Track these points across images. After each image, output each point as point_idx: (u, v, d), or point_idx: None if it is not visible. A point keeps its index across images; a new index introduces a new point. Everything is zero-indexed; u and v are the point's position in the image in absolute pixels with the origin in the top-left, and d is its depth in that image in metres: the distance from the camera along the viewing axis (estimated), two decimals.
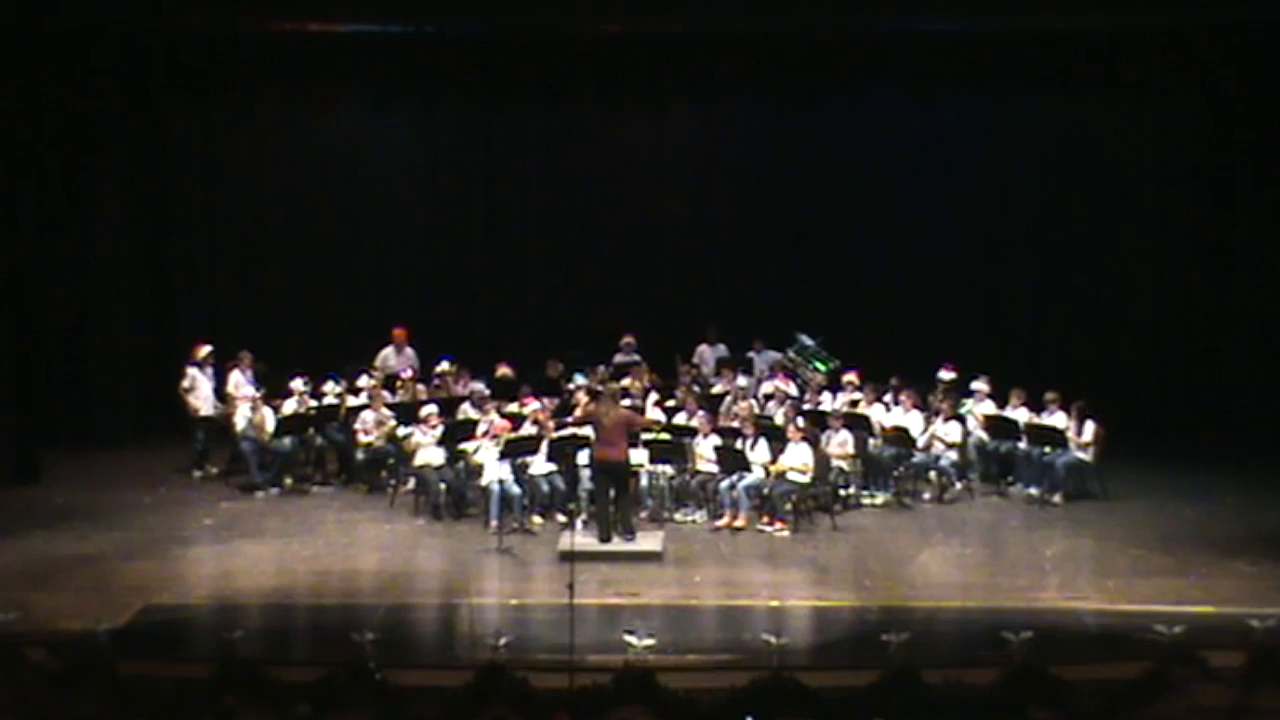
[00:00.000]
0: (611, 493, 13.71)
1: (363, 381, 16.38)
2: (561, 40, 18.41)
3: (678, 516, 14.75)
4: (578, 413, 14.82)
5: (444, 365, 16.98)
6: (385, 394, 16.13)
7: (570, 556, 11.39)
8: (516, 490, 14.12)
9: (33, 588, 12.08)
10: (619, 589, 12.19)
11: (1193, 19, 17.07)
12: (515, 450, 14.36)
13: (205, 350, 16.48)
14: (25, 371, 16.23)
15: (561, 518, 14.35)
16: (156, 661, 10.25)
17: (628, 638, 9.86)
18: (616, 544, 13.48)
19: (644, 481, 14.76)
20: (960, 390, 16.25)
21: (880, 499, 15.48)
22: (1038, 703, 9.37)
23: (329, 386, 16.35)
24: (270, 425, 15.69)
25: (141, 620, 11.35)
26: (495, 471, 14.15)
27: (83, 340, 17.88)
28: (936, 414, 15.70)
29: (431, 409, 15.18)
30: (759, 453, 14.61)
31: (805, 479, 14.40)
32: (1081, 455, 15.32)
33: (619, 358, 17.59)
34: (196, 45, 18.21)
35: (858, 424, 15.44)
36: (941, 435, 15.56)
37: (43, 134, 16.97)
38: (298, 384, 16.03)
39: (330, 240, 19.52)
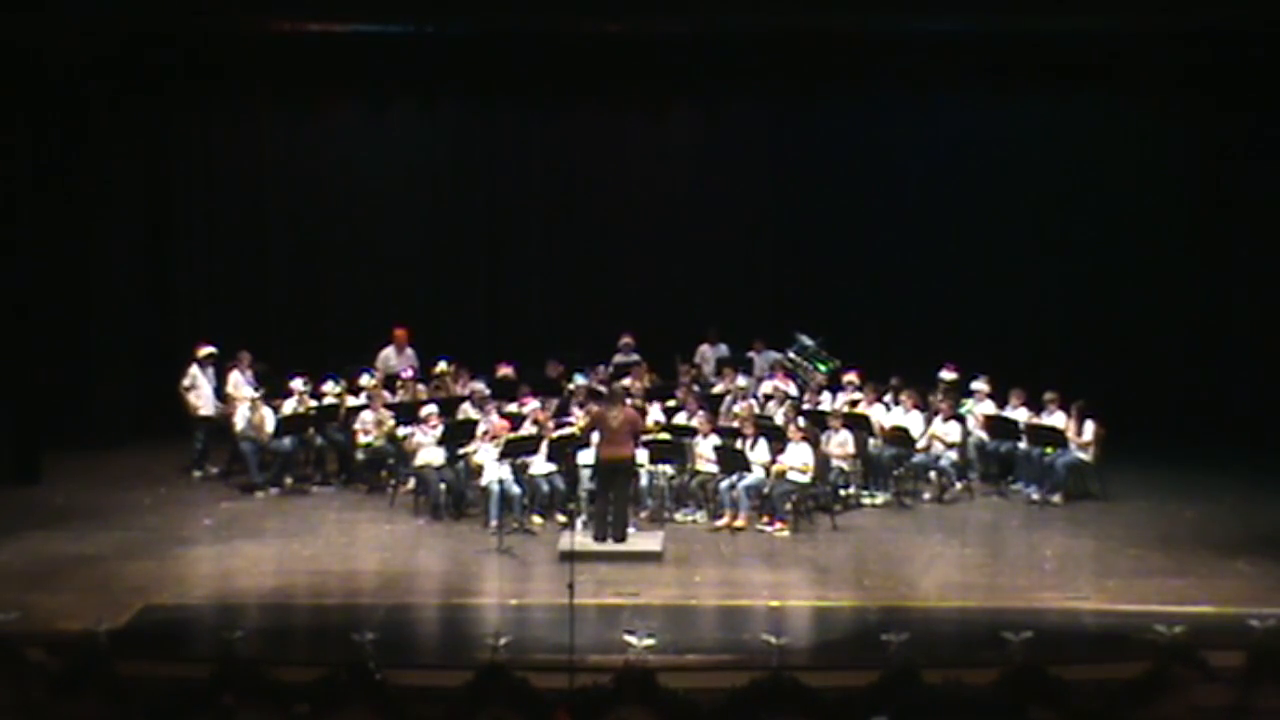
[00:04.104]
0: (610, 493, 13.70)
1: (363, 381, 16.38)
2: (561, 40, 18.40)
3: (678, 516, 14.75)
4: (581, 422, 14.78)
5: (441, 365, 16.99)
6: (385, 394, 16.14)
7: (570, 556, 11.39)
8: (516, 490, 14.13)
9: (33, 588, 12.09)
10: (619, 589, 12.20)
11: (1193, 19, 17.05)
12: (515, 450, 14.37)
13: (206, 350, 16.48)
14: (25, 371, 16.23)
15: (561, 518, 14.35)
16: (156, 661, 10.25)
17: (628, 638, 9.85)
18: (616, 544, 13.48)
19: (644, 481, 14.76)
20: (960, 390, 16.25)
21: (880, 499, 15.48)
22: (1038, 703, 9.36)
23: (329, 386, 16.35)
24: (270, 425, 15.70)
25: (141, 620, 11.36)
26: (495, 471, 14.16)
27: (83, 340, 17.87)
28: (936, 414, 15.70)
29: (431, 409, 15.19)
30: (759, 453, 14.61)
31: (805, 479, 14.40)
32: (1081, 455, 15.33)
33: (619, 358, 17.61)
34: (197, 45, 18.20)
35: (858, 424, 15.44)
36: (941, 435, 15.56)
37: (43, 134, 16.95)
38: (298, 384, 16.03)
39: (330, 240, 19.52)
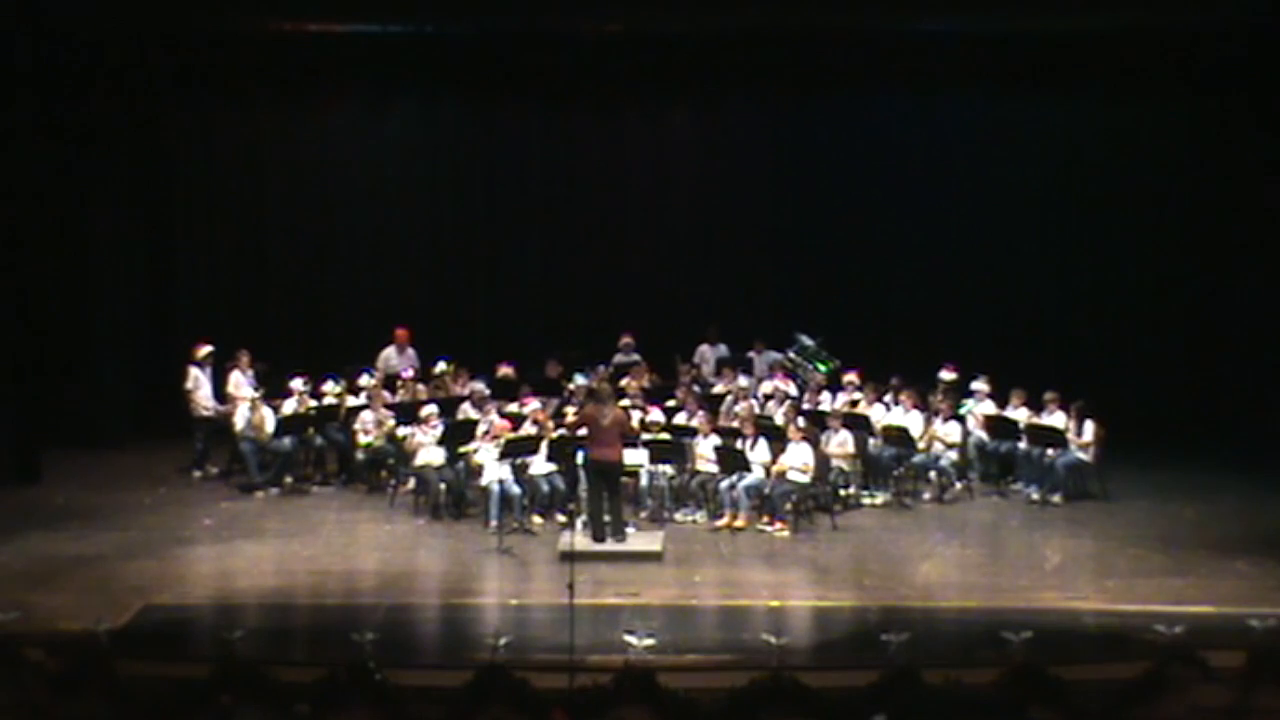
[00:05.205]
0: (605, 493, 13.70)
1: (363, 381, 16.38)
2: (561, 40, 18.40)
3: (678, 516, 14.75)
4: (571, 418, 14.81)
5: (440, 365, 16.99)
6: (385, 394, 16.14)
7: (570, 556, 11.39)
8: (516, 490, 14.13)
9: (33, 588, 12.09)
10: (619, 589, 12.20)
11: (1193, 19, 17.06)
12: (515, 450, 14.37)
13: (205, 350, 16.48)
14: (25, 371, 16.22)
15: (561, 518, 14.35)
16: (156, 661, 10.25)
17: (628, 638, 9.86)
18: (616, 544, 13.48)
19: (644, 481, 14.77)
20: (960, 390, 16.25)
21: (880, 499, 15.48)
22: (1038, 703, 9.36)
23: (329, 386, 16.35)
24: (270, 425, 15.69)
25: (141, 620, 11.36)
26: (495, 471, 14.16)
27: (83, 340, 17.87)
28: (936, 414, 15.70)
29: (431, 409, 15.19)
30: (759, 453, 14.61)
31: (805, 479, 14.40)
32: (1081, 455, 15.33)
33: (619, 358, 17.60)
34: (196, 45, 18.20)
35: (858, 424, 15.43)
36: (941, 435, 15.56)
37: (43, 134, 16.95)
38: (298, 384, 16.03)
39: (330, 240, 19.52)
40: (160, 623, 11.43)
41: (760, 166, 19.53)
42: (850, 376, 16.47)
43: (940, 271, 18.90)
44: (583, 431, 14.04)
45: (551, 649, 10.31)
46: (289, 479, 15.86)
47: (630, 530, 13.87)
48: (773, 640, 9.73)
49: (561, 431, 14.78)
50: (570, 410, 15.29)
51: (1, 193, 16.14)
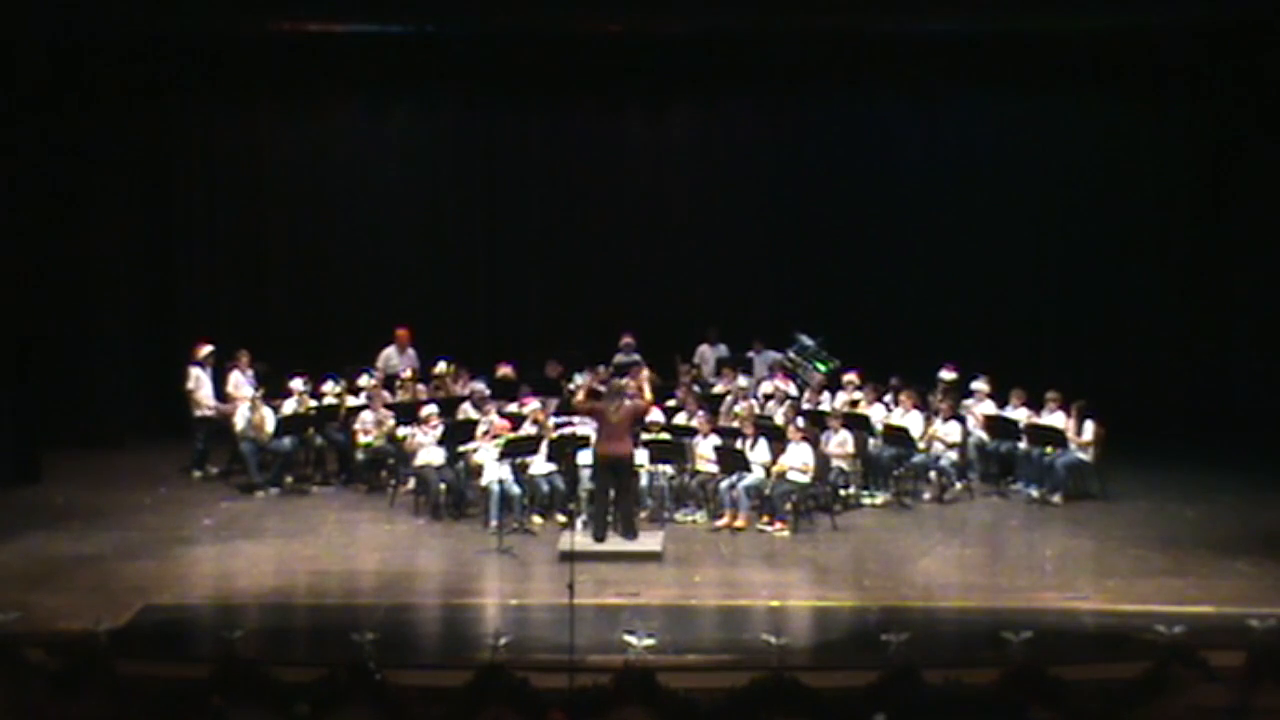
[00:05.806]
0: (612, 492, 13.70)
1: (363, 381, 16.38)
2: (561, 40, 18.40)
3: (678, 516, 14.74)
4: (578, 400, 14.76)
5: (440, 365, 16.99)
6: (385, 394, 16.14)
7: (570, 556, 11.40)
8: (516, 490, 14.13)
9: (33, 588, 12.08)
10: (619, 589, 12.19)
11: (1194, 19, 17.06)
12: (515, 450, 14.37)
13: (206, 350, 16.48)
14: (25, 372, 16.22)
15: (561, 518, 14.36)
16: (156, 661, 10.25)
17: (628, 638, 9.86)
18: (617, 544, 13.47)
19: (644, 481, 14.76)
20: (960, 390, 16.25)
21: (880, 499, 15.48)
22: (1038, 703, 9.37)
23: (329, 386, 16.35)
24: (270, 425, 15.69)
25: (141, 620, 11.36)
26: (495, 471, 14.16)
27: (83, 340, 17.87)
28: (936, 414, 15.70)
29: (431, 409, 15.19)
30: (759, 453, 14.61)
31: (805, 479, 14.39)
32: (1081, 455, 15.33)
33: (619, 358, 17.60)
34: (197, 45, 18.20)
35: (858, 424, 15.43)
36: (941, 435, 15.55)
37: (43, 134, 16.95)
38: (298, 384, 16.03)
39: (330, 240, 19.51)
40: (160, 623, 11.42)
41: (760, 166, 19.53)
42: (850, 376, 16.46)
43: (940, 271, 18.89)
44: (587, 429, 14.02)
45: (551, 649, 10.30)
46: (289, 479, 15.86)
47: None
48: (773, 640, 9.73)
49: (562, 431, 14.79)
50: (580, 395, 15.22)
51: (2, 193, 16.13)
